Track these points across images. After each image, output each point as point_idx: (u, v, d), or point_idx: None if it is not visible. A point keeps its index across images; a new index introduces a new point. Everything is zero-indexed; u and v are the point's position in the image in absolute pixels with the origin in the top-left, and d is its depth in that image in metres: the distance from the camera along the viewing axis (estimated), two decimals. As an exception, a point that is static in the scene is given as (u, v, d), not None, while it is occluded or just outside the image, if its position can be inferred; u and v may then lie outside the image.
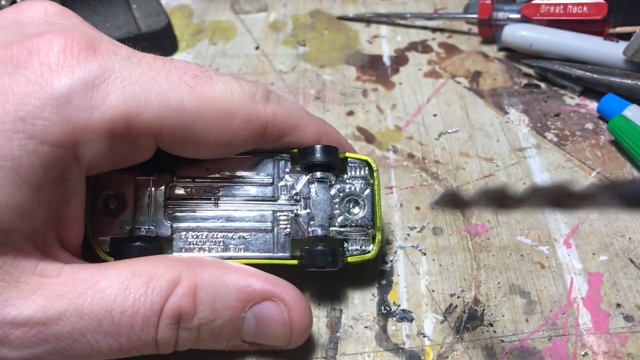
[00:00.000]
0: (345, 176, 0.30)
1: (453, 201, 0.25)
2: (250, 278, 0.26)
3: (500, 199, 0.22)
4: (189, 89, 0.25)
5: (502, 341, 0.29)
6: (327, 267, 0.28)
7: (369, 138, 0.40)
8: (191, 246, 0.28)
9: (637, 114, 0.38)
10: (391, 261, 0.33)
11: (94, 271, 0.24)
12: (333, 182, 0.30)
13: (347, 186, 0.30)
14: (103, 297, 0.24)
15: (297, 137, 0.30)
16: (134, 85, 0.24)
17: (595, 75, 0.42)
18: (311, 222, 0.29)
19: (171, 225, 0.28)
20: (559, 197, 0.20)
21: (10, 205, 0.22)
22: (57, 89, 0.23)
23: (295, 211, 0.29)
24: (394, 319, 0.30)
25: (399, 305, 0.30)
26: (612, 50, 0.43)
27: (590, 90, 0.43)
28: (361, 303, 0.31)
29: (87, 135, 0.23)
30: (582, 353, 0.28)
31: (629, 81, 0.40)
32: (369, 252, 0.29)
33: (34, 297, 0.23)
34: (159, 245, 0.28)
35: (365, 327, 0.30)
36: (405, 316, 0.30)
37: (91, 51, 0.24)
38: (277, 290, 0.27)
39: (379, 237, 0.30)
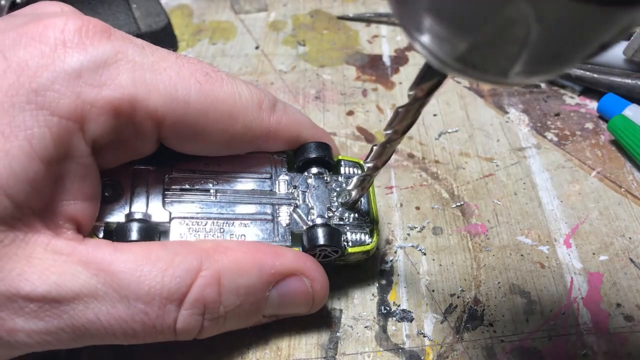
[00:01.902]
0: (340, 177, 0.31)
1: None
2: (272, 257, 0.27)
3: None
4: (197, 85, 0.26)
5: (502, 341, 0.29)
6: (328, 245, 0.28)
7: (369, 138, 0.40)
8: (190, 232, 0.28)
9: (637, 113, 0.38)
10: (391, 261, 0.33)
11: (106, 252, 0.24)
12: (329, 180, 0.30)
13: (343, 184, 0.31)
14: (116, 281, 0.23)
15: (299, 145, 0.31)
16: (145, 72, 0.25)
17: (595, 75, 0.42)
18: (311, 212, 0.29)
19: (169, 213, 0.28)
20: None
21: (23, 178, 0.22)
22: (69, 64, 0.23)
23: (293, 204, 0.30)
24: (394, 318, 0.30)
25: (399, 305, 0.30)
26: (612, 50, 0.43)
27: (590, 89, 0.43)
28: (361, 303, 0.31)
29: (94, 110, 0.23)
30: (582, 353, 0.28)
31: (629, 81, 0.40)
32: (368, 243, 0.29)
33: (47, 273, 0.23)
34: (157, 231, 0.28)
35: (365, 327, 0.30)
36: (405, 316, 0.30)
37: (106, 35, 0.25)
38: (299, 265, 0.27)
39: (377, 229, 0.30)
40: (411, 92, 0.22)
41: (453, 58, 0.17)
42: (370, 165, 0.28)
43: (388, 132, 0.25)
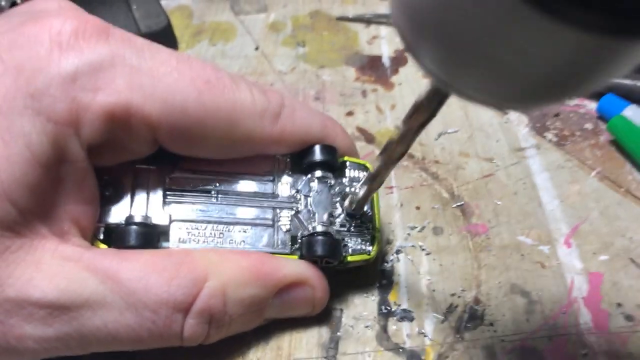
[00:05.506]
0: (344, 179, 0.31)
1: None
2: (276, 269, 0.27)
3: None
4: (196, 93, 0.25)
5: (503, 341, 0.29)
6: (327, 256, 0.28)
7: (369, 138, 0.40)
8: (189, 237, 0.28)
9: (636, 114, 0.38)
10: (391, 261, 0.33)
11: (113, 260, 0.24)
12: (332, 183, 0.30)
13: (347, 188, 0.30)
14: (124, 289, 0.23)
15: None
16: (142, 77, 0.24)
17: (594, 76, 0.42)
18: (312, 218, 0.29)
19: (169, 216, 0.28)
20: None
21: (24, 184, 0.22)
22: (64, 68, 0.23)
23: (295, 208, 0.29)
24: (395, 318, 0.30)
25: (399, 305, 0.30)
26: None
27: (590, 90, 0.43)
28: (362, 303, 0.31)
29: (89, 115, 0.23)
30: (583, 353, 0.28)
31: (629, 81, 0.40)
32: (368, 253, 0.29)
33: (56, 279, 0.23)
34: (157, 234, 0.27)
35: (365, 327, 0.30)
36: (406, 316, 0.30)
37: (104, 36, 0.24)
38: (302, 275, 0.27)
39: (378, 238, 0.30)
40: (404, 125, 0.23)
41: (455, 80, 0.17)
42: (365, 188, 0.28)
43: (381, 159, 0.25)
